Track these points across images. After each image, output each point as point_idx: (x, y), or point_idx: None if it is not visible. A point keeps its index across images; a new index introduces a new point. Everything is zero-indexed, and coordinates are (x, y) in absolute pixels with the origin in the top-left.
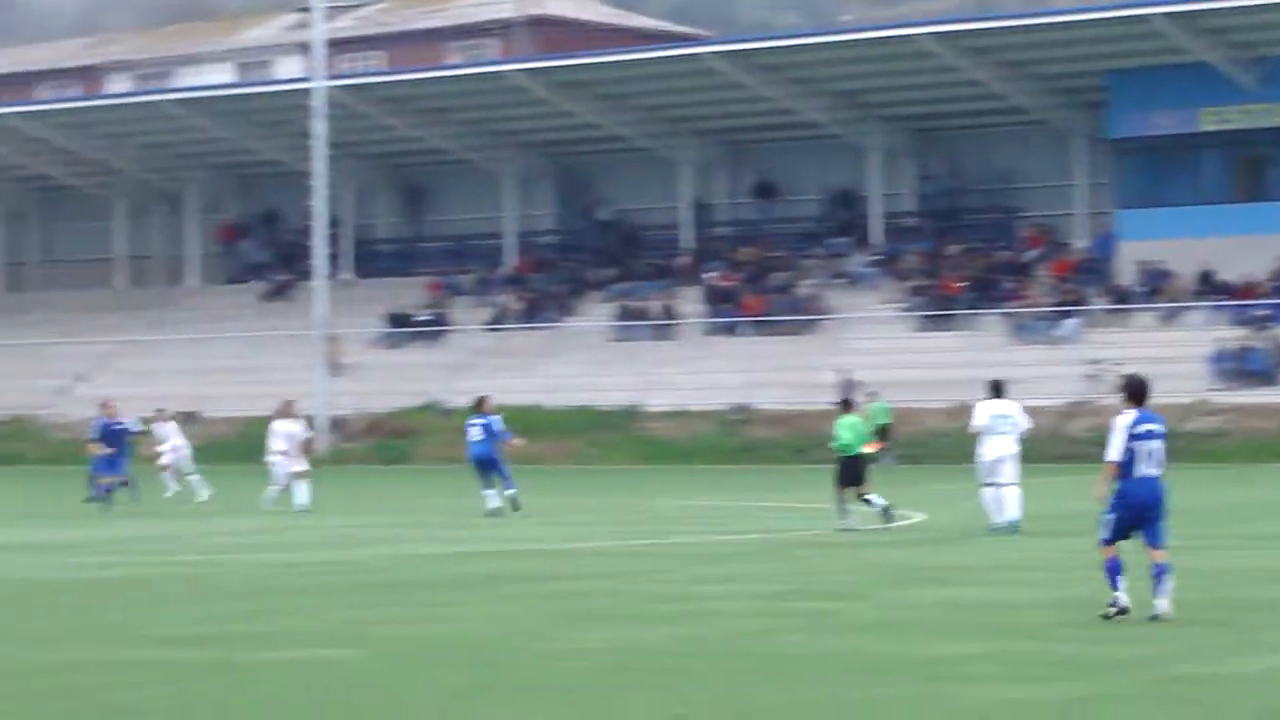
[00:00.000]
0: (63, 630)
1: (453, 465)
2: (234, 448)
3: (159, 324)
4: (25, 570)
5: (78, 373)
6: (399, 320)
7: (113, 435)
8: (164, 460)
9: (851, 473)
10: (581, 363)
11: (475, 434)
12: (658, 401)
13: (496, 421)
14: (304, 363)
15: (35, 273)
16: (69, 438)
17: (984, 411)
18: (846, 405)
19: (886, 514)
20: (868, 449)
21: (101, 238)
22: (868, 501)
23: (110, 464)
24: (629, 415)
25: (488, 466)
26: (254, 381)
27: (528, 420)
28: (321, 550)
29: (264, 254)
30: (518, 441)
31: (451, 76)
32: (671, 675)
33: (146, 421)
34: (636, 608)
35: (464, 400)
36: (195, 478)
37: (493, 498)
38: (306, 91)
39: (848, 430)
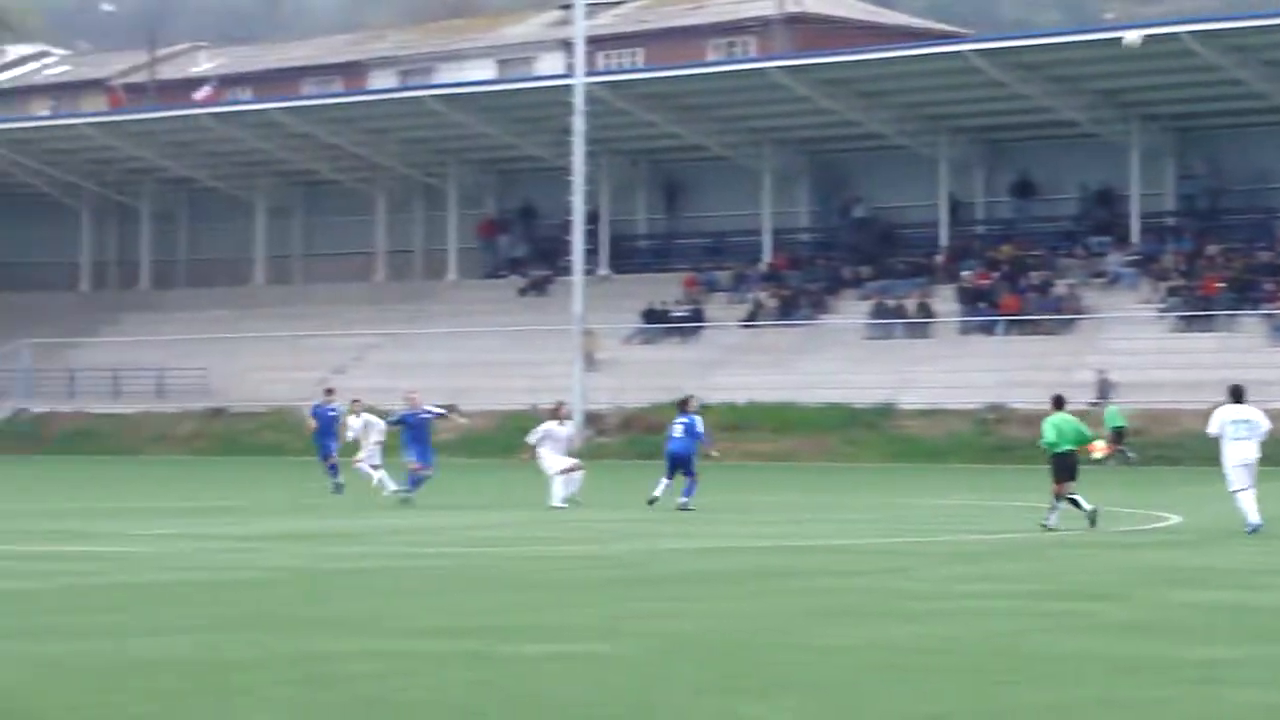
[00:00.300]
0: (319, 620)
1: (706, 462)
2: (490, 441)
3: (418, 317)
4: (285, 560)
5: (337, 365)
6: (654, 316)
7: (419, 425)
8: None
9: (1063, 470)
10: (836, 360)
11: (677, 431)
12: (912, 400)
13: (698, 422)
14: (560, 357)
15: (298, 266)
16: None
17: (1221, 417)
18: (1058, 403)
19: (1093, 519)
20: (1098, 451)
21: (363, 232)
22: (1074, 503)
23: (420, 454)
24: (883, 413)
25: (680, 464)
26: (510, 375)
27: (782, 417)
28: (577, 545)
29: (522, 249)
30: (714, 453)
31: (711, 73)
32: (924, 674)
33: (352, 409)
34: (888, 605)
35: (719, 397)
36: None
37: (665, 489)
38: (567, 88)
39: (1052, 429)
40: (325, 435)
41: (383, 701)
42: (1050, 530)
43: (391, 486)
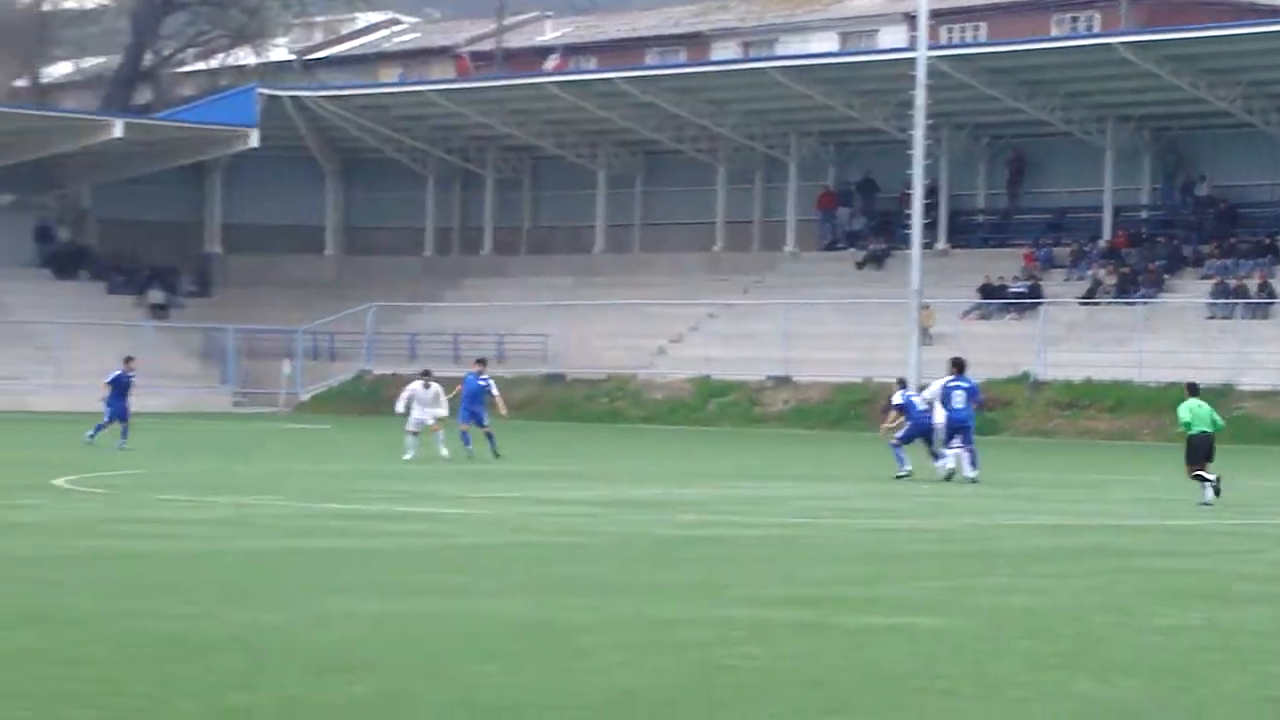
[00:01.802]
0: (656, 585)
1: (1045, 439)
2: (824, 412)
3: (754, 288)
4: (623, 526)
5: (674, 334)
6: (992, 291)
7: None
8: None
9: (1197, 451)
10: (1175, 339)
11: (958, 400)
12: (1252, 380)
13: (976, 385)
14: (895, 331)
15: (638, 235)
16: (664, 397)
17: None
18: (1193, 389)
19: (1217, 491)
20: None
21: (702, 202)
22: (1201, 478)
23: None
24: (1222, 393)
25: (961, 432)
26: (844, 348)
27: (1119, 395)
28: (914, 518)
29: (860, 222)
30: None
31: (1055, 48)
32: (1267, 658)
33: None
34: (1229, 587)
35: (1055, 374)
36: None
37: (949, 460)
38: (908, 61)
39: (1187, 412)
40: (474, 402)
41: (717, 668)
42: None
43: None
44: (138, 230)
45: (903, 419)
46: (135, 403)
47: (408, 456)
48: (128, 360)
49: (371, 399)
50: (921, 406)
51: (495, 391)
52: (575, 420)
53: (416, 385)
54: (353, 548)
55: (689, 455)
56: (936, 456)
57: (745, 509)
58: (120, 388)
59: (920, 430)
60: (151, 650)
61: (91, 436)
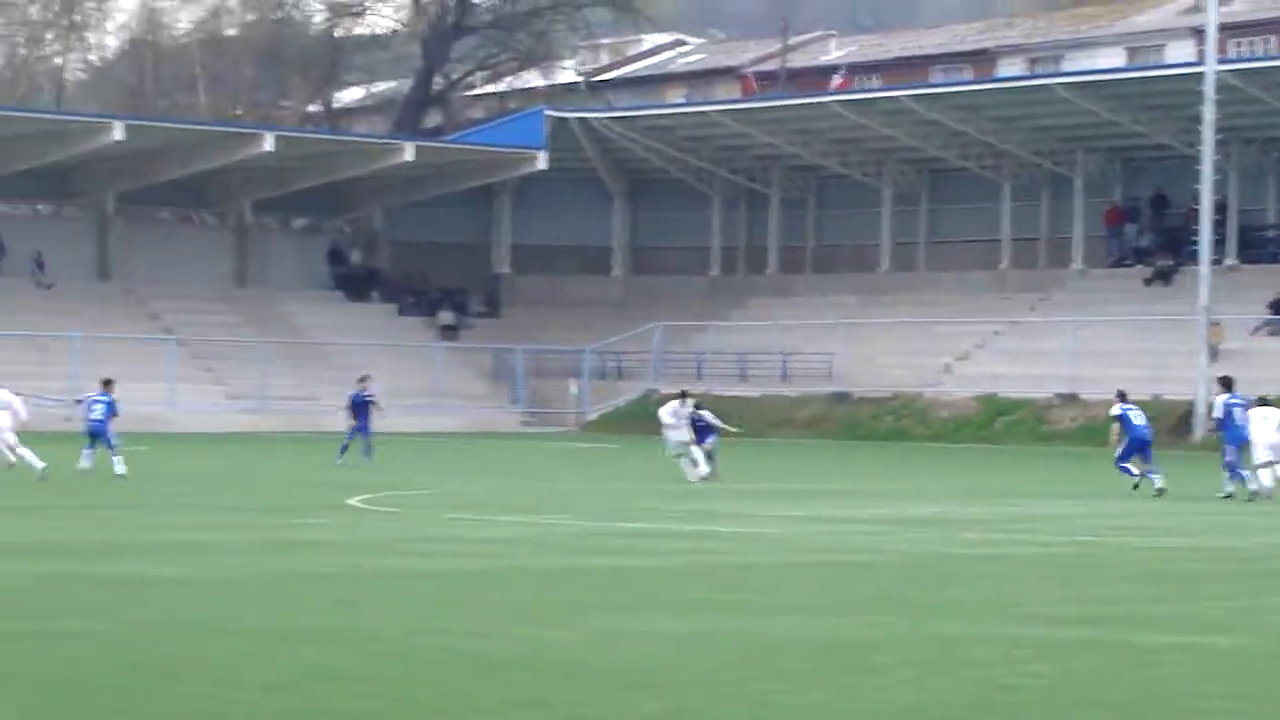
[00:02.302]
0: (943, 603)
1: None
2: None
3: (1041, 305)
4: (908, 544)
5: (960, 351)
6: None
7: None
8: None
9: None
10: None
11: (1242, 415)
12: None
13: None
14: (1182, 348)
15: (923, 252)
16: (950, 415)
17: None
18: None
19: None
20: None
21: (988, 219)
22: None
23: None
24: None
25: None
26: (1133, 365)
27: None
28: (1204, 536)
29: (1148, 238)
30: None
31: None
32: None
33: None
34: None
35: None
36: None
37: (1255, 479)
38: (1197, 76)
39: None
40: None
41: (1003, 686)
42: None
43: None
44: (428, 252)
45: (1120, 433)
46: (426, 422)
47: (697, 473)
48: (362, 379)
49: (658, 419)
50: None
51: (380, 405)
52: (861, 439)
53: (675, 404)
54: (641, 566)
55: (975, 473)
56: (1231, 471)
57: (1031, 527)
58: (356, 407)
59: (1139, 444)
60: (446, 668)
61: (341, 458)
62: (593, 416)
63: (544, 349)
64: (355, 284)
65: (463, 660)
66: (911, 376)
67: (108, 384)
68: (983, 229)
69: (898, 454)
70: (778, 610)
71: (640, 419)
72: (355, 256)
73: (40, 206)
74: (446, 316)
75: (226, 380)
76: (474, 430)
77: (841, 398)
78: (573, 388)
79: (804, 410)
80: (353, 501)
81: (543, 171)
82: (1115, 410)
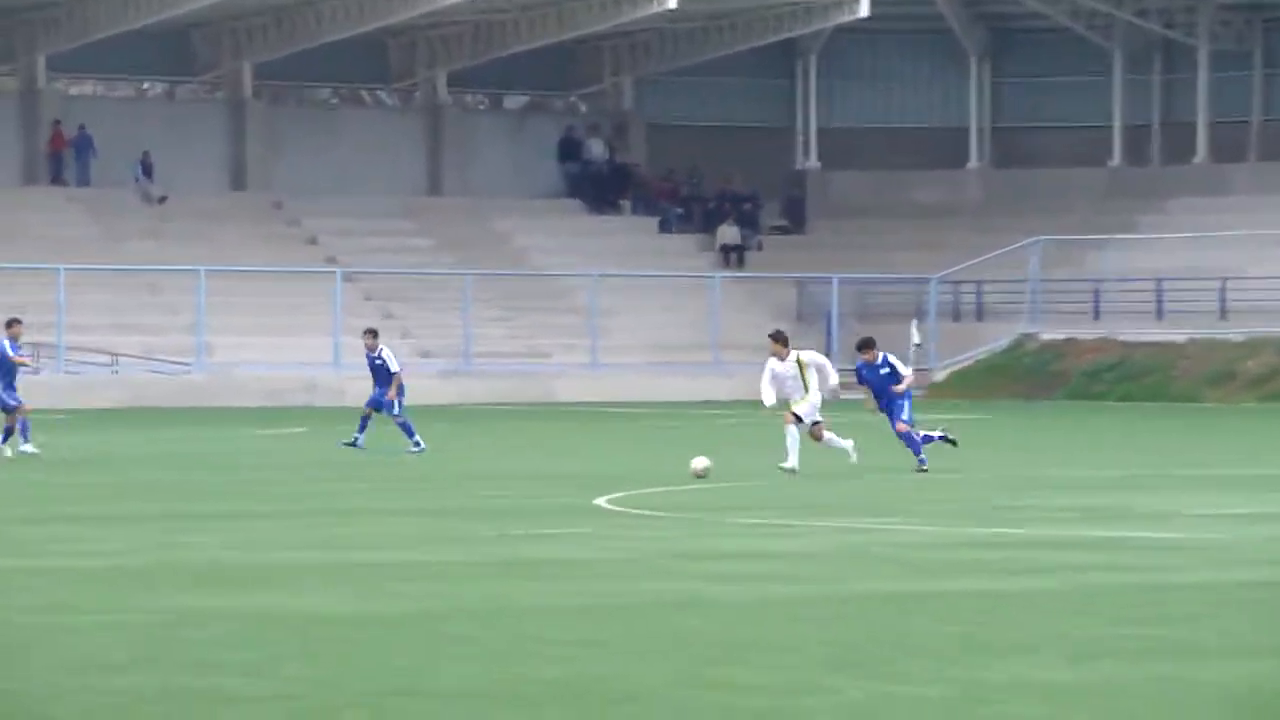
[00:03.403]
0: None
1: None
2: None
3: None
4: None
5: None
6: None
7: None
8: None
9: None
10: None
11: None
12: None
13: None
14: None
15: None
16: None
17: None
18: None
19: None
20: None
21: None
22: None
23: None
24: None
25: None
26: None
27: None
28: None
29: None
30: None
31: None
32: None
33: None
34: None
35: None
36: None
37: None
38: None
39: None
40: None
41: None
42: None
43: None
44: (701, 141)
45: None
46: (699, 386)
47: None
48: (368, 333)
49: (1037, 374)
50: None
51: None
52: None
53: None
54: (1014, 590)
55: None
56: None
57: None
58: (373, 371)
59: None
60: None
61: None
62: (941, 374)
63: (869, 278)
64: (598, 188)
65: None
66: None
67: (11, 325)
68: None
69: None
70: (1208, 652)
71: (1012, 375)
72: (597, 149)
73: (147, 84)
74: (729, 233)
75: (415, 330)
76: None
77: None
78: (914, 333)
79: (1252, 361)
80: (601, 502)
81: (864, 22)
82: None
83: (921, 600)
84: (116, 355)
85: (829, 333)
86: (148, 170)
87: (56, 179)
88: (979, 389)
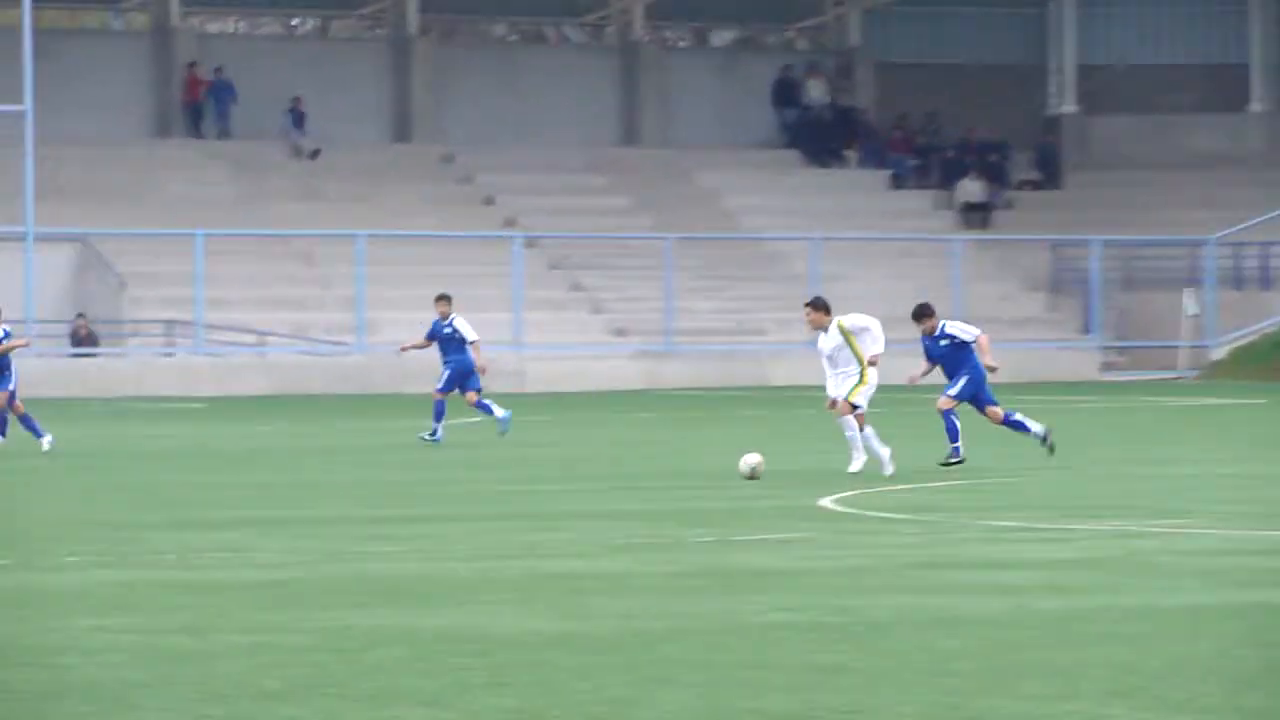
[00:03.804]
0: None
1: None
2: None
3: None
4: None
5: None
6: None
7: None
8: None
9: None
10: None
11: None
12: None
13: None
14: None
15: None
16: None
17: None
18: None
19: None
20: None
21: None
22: None
23: None
24: None
25: None
26: None
27: None
28: None
29: None
30: None
31: None
32: None
33: None
34: None
35: None
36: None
37: None
38: None
39: None
40: None
41: None
42: None
43: None
44: (939, 82)
45: None
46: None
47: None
48: (440, 299)
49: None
50: None
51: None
52: None
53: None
54: None
55: None
56: None
57: None
58: (441, 343)
59: None
60: None
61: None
62: (1221, 351)
63: (1136, 240)
64: (818, 137)
65: None
66: None
67: None
68: None
69: None
70: None
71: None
72: (817, 91)
73: (296, 20)
74: (972, 189)
75: (608, 305)
76: (1024, 378)
77: None
78: (1189, 304)
79: None
80: (827, 502)
81: None
82: None
83: (1217, 616)
84: (263, 334)
85: (1090, 306)
86: (298, 120)
87: (193, 131)
88: (1266, 368)
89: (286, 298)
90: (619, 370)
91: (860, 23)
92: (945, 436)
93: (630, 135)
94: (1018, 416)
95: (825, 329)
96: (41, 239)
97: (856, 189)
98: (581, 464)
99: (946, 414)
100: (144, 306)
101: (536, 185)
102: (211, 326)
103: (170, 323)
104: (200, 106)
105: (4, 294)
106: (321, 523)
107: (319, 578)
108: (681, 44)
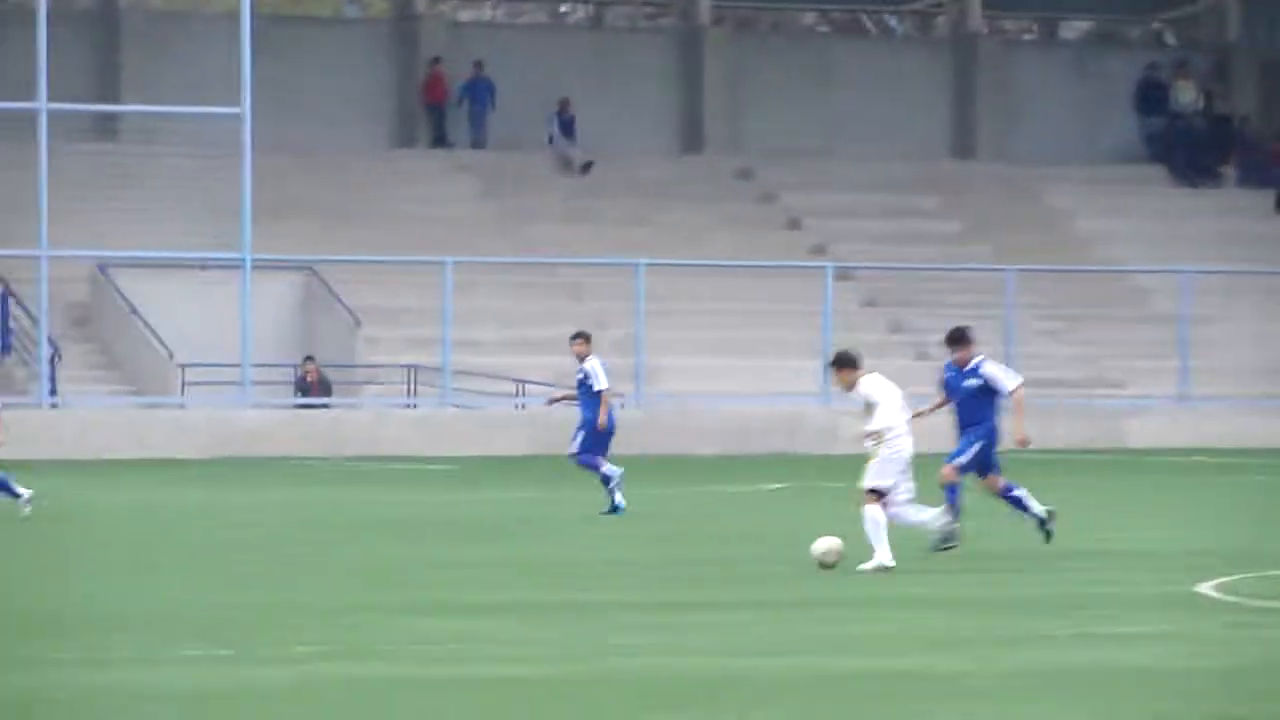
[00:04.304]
0: None
1: None
2: None
3: None
4: None
5: None
6: None
7: None
8: None
9: None
10: None
11: None
12: None
13: None
14: None
15: None
16: None
17: None
18: None
19: None
20: None
21: None
22: None
23: None
24: None
25: None
26: None
27: None
28: None
29: None
30: None
31: None
32: None
33: None
34: None
35: None
36: None
37: None
38: None
39: None
40: None
41: None
42: None
43: None
44: None
45: None
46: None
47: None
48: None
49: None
50: None
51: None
52: None
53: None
54: None
55: None
56: None
57: None
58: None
59: None
60: None
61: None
62: None
63: None
64: (1189, 151)
65: None
66: None
67: None
68: None
69: None
70: None
71: None
72: (1187, 96)
73: (565, 7)
74: None
75: (934, 351)
76: None
77: None
78: None
79: None
80: (1205, 589)
81: None
82: None
83: None
84: (522, 382)
85: None
86: (567, 127)
87: (440, 139)
88: None
89: (550, 339)
90: (943, 426)
91: (1241, 12)
92: (939, 509)
93: (964, 147)
94: (1019, 492)
95: (852, 388)
96: (261, 267)
97: (1234, 212)
98: (901, 539)
99: (951, 489)
100: (381, 348)
101: (850, 206)
102: (461, 373)
103: (412, 368)
104: (447, 109)
105: (218, 332)
106: (592, 609)
107: (596, 675)
108: (1026, 38)
